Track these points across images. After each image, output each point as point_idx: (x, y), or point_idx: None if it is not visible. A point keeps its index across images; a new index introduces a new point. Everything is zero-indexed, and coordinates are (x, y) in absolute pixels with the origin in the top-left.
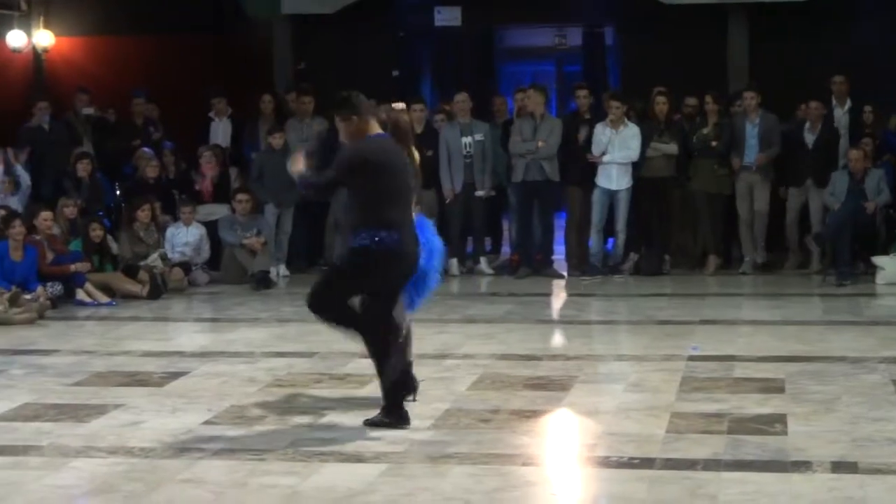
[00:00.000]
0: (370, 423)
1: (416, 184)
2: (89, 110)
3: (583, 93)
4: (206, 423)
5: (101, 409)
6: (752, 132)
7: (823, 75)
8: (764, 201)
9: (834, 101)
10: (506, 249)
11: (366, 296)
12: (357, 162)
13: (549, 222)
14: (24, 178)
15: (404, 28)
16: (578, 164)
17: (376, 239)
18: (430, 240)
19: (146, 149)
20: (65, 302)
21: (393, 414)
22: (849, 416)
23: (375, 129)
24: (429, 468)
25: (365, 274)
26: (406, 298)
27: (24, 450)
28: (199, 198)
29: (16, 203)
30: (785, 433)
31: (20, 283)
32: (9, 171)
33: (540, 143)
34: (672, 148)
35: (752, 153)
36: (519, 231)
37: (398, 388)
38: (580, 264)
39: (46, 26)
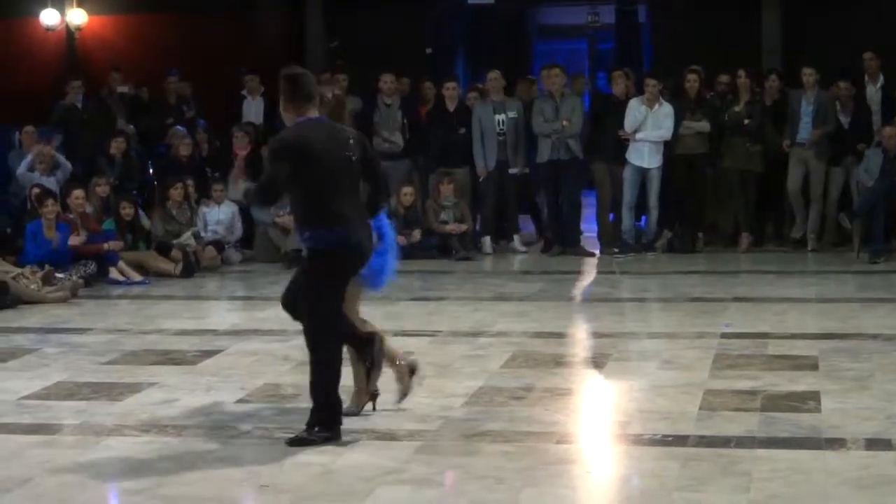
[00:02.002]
0: (295, 443)
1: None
2: (123, 89)
3: (619, 73)
4: (240, 401)
5: (134, 388)
6: (806, 109)
7: (857, 51)
8: (819, 186)
9: (866, 78)
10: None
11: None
12: (288, 151)
13: (576, 200)
14: (66, 164)
15: (438, 6)
16: (608, 142)
17: (320, 239)
18: (383, 223)
19: (179, 127)
20: (98, 280)
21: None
22: (883, 393)
23: (311, 112)
24: (462, 446)
25: (321, 275)
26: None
27: (57, 428)
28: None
29: (52, 183)
30: (818, 410)
31: (53, 262)
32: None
33: (565, 123)
34: (704, 126)
35: (806, 130)
36: (549, 210)
37: (331, 408)
38: (613, 242)
39: (79, 5)
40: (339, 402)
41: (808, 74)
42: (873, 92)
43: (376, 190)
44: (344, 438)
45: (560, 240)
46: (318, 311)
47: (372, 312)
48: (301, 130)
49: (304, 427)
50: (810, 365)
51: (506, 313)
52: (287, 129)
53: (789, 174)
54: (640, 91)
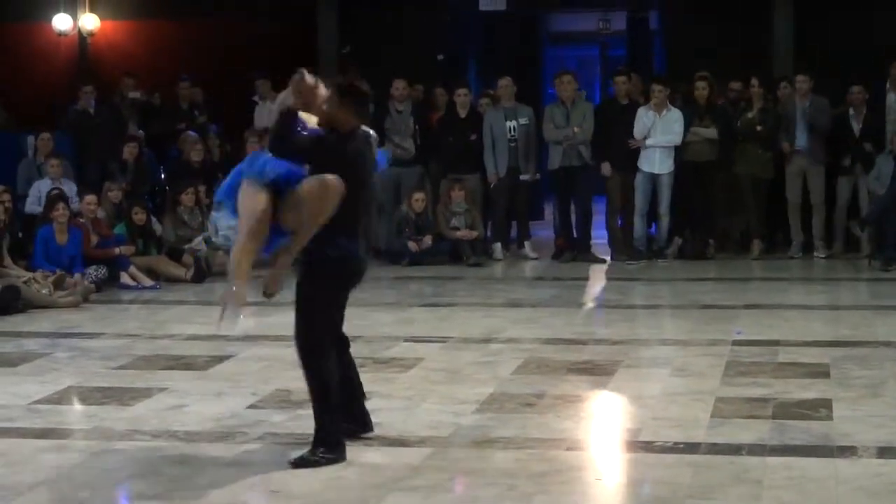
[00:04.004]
0: (298, 464)
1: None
2: (135, 94)
3: (621, 79)
4: (251, 406)
5: (145, 393)
6: (802, 116)
7: (872, 57)
8: (819, 192)
9: (888, 86)
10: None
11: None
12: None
13: (587, 207)
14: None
15: (449, 12)
16: (620, 150)
17: (337, 247)
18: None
19: (191, 132)
20: (109, 285)
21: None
22: (895, 400)
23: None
24: (473, 453)
25: (327, 283)
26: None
27: (68, 433)
28: None
29: (67, 188)
30: (830, 418)
31: (65, 267)
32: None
33: (576, 130)
34: (712, 132)
35: (802, 137)
36: (560, 216)
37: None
38: (624, 248)
39: (92, 10)
40: (340, 422)
41: (802, 82)
42: (893, 100)
43: None
44: (355, 444)
45: (571, 246)
46: (319, 322)
47: (383, 318)
48: (357, 141)
49: (308, 448)
50: (822, 372)
51: (517, 320)
52: (349, 137)
53: (788, 186)
54: (647, 96)
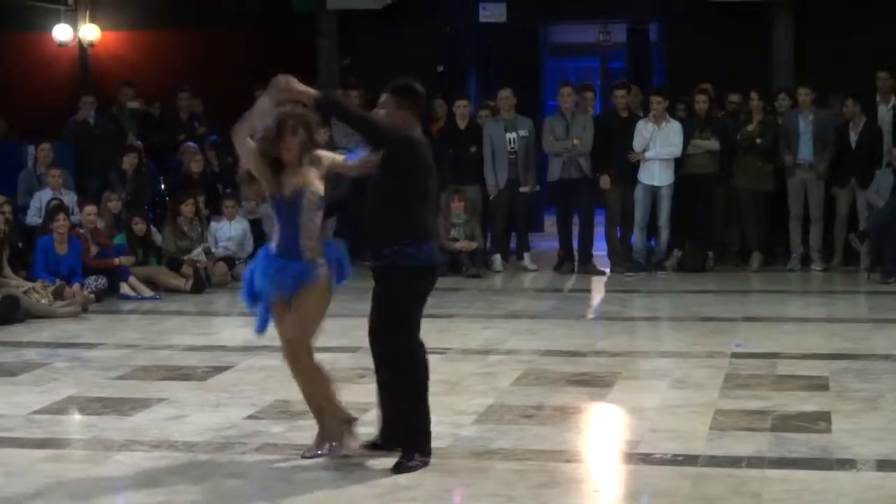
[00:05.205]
0: (400, 470)
1: None
2: (134, 104)
3: (621, 92)
4: (250, 417)
5: (144, 403)
6: (805, 129)
7: (870, 70)
8: (819, 206)
9: (878, 98)
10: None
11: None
12: (414, 151)
13: (588, 219)
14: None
15: (449, 24)
16: (620, 162)
17: (415, 256)
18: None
19: (191, 143)
20: (108, 295)
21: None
22: (894, 413)
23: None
24: (472, 464)
25: (414, 294)
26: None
27: (67, 443)
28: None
29: (67, 198)
30: (829, 431)
31: (65, 277)
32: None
33: (575, 141)
34: (713, 144)
35: (805, 150)
36: (561, 228)
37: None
38: (623, 260)
39: (92, 20)
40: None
41: (804, 94)
42: (885, 112)
43: None
44: (354, 454)
45: (571, 258)
46: (411, 332)
47: None
48: (419, 137)
49: (401, 455)
50: (821, 385)
51: (516, 331)
52: (414, 130)
53: (790, 198)
54: (647, 107)
